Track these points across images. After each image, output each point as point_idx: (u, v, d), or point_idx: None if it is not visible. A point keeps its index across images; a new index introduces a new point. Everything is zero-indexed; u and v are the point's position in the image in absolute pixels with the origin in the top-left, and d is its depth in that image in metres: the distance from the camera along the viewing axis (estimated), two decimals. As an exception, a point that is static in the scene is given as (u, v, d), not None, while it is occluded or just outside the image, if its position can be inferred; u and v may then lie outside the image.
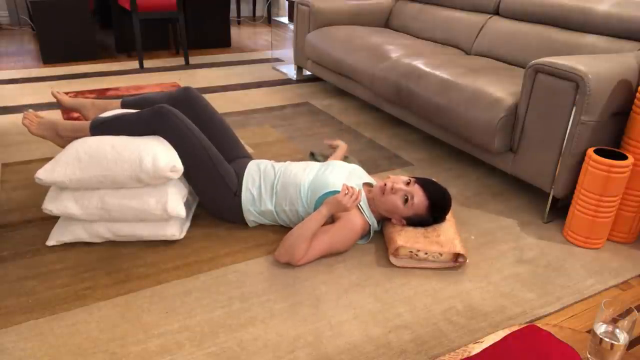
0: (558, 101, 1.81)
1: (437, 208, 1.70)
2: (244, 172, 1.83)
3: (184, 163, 1.69)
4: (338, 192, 1.70)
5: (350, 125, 2.89)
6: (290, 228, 1.81)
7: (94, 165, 1.59)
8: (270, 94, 3.41)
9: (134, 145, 1.63)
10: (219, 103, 3.17)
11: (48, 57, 3.86)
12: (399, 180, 1.73)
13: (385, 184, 1.72)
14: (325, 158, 2.46)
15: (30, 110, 1.86)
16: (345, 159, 2.45)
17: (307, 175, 1.78)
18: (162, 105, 1.69)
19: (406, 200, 1.68)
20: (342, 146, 2.19)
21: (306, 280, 1.57)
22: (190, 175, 1.74)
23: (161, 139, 1.69)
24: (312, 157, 2.43)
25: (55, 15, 3.74)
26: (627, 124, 1.78)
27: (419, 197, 1.68)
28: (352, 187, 1.61)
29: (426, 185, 1.71)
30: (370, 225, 1.74)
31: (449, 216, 1.81)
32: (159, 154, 1.61)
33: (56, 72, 3.66)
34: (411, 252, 1.64)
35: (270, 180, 1.79)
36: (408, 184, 1.71)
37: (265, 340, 1.34)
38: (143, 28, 4.35)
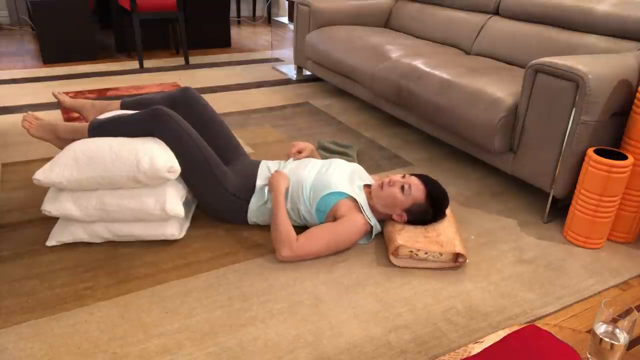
0: (558, 101, 1.81)
1: (435, 198, 1.71)
2: (254, 175, 1.83)
3: (180, 164, 1.69)
4: (340, 192, 1.70)
5: (350, 125, 2.89)
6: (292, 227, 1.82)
7: (91, 166, 1.59)
8: (270, 94, 3.41)
9: (132, 146, 1.63)
10: (219, 103, 3.17)
11: (48, 57, 3.86)
12: (396, 176, 1.76)
13: (383, 181, 1.75)
14: (336, 145, 2.46)
15: (30, 112, 1.86)
16: (349, 148, 2.46)
17: (308, 175, 1.78)
18: (159, 107, 1.70)
19: (404, 190, 1.70)
20: (307, 147, 2.02)
21: (306, 280, 1.58)
22: (187, 177, 1.74)
23: (159, 140, 1.69)
24: (323, 148, 2.43)
25: (55, 15, 3.74)
26: (627, 124, 1.78)
27: (416, 186, 1.71)
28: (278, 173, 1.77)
29: (422, 176, 1.76)
30: (372, 227, 1.75)
31: (449, 216, 1.81)
32: (157, 155, 1.61)
33: (56, 72, 3.66)
34: (411, 251, 1.64)
35: (267, 179, 1.81)
36: (404, 177, 1.75)
37: (265, 340, 1.34)
38: (143, 28, 4.35)
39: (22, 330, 1.34)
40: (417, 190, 1.71)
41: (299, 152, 1.99)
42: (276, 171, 1.79)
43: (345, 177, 1.78)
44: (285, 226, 1.64)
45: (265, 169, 1.85)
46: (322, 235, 1.64)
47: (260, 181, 1.81)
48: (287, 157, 1.96)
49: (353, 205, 1.71)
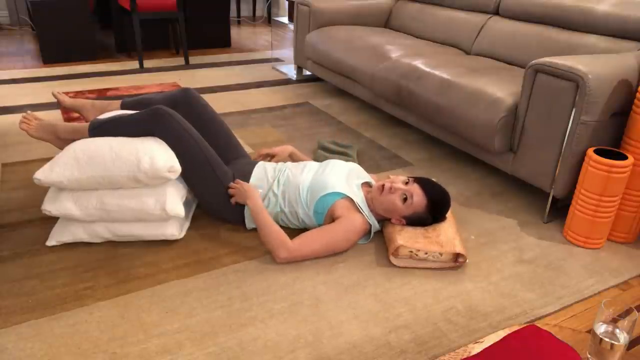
0: (558, 101, 1.81)
1: (436, 207, 1.70)
2: (250, 175, 1.82)
3: (181, 164, 1.69)
4: (337, 193, 1.70)
5: (350, 125, 2.89)
6: (290, 228, 1.82)
7: (92, 166, 1.59)
8: (270, 94, 3.41)
9: (132, 146, 1.63)
10: (219, 103, 3.17)
11: (48, 57, 3.86)
12: (397, 180, 1.73)
13: (383, 184, 1.72)
14: (336, 145, 2.47)
15: (29, 111, 1.86)
16: (349, 148, 2.46)
17: (305, 176, 1.78)
18: (159, 106, 1.69)
19: (405, 200, 1.68)
20: (282, 152, 2.07)
21: (306, 280, 1.57)
22: (187, 177, 1.73)
23: (159, 139, 1.69)
24: (322, 148, 2.43)
25: (55, 15, 3.74)
26: (627, 124, 1.78)
27: (417, 196, 1.68)
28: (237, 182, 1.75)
29: (425, 184, 1.71)
30: (370, 225, 1.74)
31: (449, 216, 1.81)
32: (157, 155, 1.61)
33: (56, 72, 3.66)
34: (411, 252, 1.64)
35: (263, 181, 1.80)
36: (407, 183, 1.71)
37: (265, 340, 1.34)
38: (143, 28, 4.35)
39: (22, 330, 1.34)
40: (419, 201, 1.68)
41: (271, 156, 2.02)
42: (239, 184, 1.74)
43: (343, 177, 1.77)
44: (272, 227, 1.62)
45: (262, 170, 1.85)
46: (320, 235, 1.64)
47: (253, 180, 1.81)
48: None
49: (351, 205, 1.71)
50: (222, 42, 4.70)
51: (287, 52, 4.66)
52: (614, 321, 1.00)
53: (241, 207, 1.78)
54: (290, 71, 3.94)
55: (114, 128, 1.72)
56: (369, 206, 1.76)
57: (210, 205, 1.80)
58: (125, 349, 1.29)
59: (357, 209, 1.71)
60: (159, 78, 3.64)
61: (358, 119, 2.99)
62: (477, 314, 1.47)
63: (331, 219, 1.71)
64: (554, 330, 1.11)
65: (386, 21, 3.59)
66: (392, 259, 1.66)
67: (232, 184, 1.75)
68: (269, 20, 6.19)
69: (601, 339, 0.99)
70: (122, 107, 1.99)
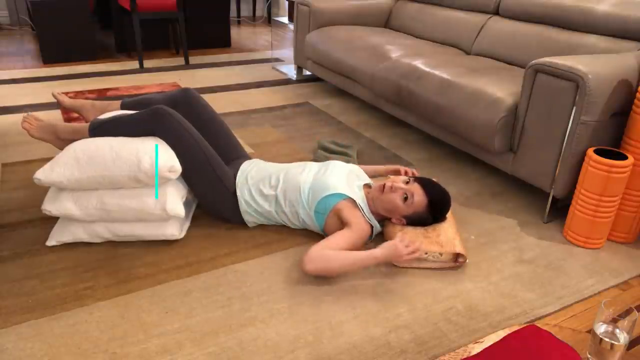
0: (558, 101, 1.81)
1: (436, 206, 1.70)
2: (238, 173, 1.83)
3: (181, 164, 1.69)
4: (339, 194, 1.70)
5: (350, 125, 2.89)
6: (290, 228, 1.81)
7: (92, 166, 1.59)
8: (270, 94, 3.41)
9: (132, 146, 1.63)
10: (219, 103, 3.17)
11: (48, 57, 3.86)
12: (398, 179, 1.73)
13: (384, 184, 1.72)
14: (336, 145, 2.47)
15: (30, 112, 1.86)
16: (348, 148, 2.45)
17: (306, 177, 1.77)
18: (160, 106, 1.69)
19: (406, 199, 1.68)
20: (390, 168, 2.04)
21: (306, 280, 1.57)
22: (187, 176, 1.73)
23: (159, 139, 1.69)
24: (322, 148, 2.43)
25: (55, 15, 3.74)
26: (627, 124, 1.78)
27: (418, 196, 1.68)
28: (410, 242, 1.57)
29: (426, 184, 1.71)
30: (372, 227, 1.74)
31: (449, 216, 1.81)
32: (157, 154, 1.60)
33: (56, 72, 3.66)
34: (411, 252, 1.64)
35: (263, 181, 1.79)
36: (407, 183, 1.71)
37: (265, 340, 1.34)
38: (143, 28, 4.35)
39: (22, 330, 1.34)
40: (419, 201, 1.68)
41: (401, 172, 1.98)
42: (412, 245, 1.57)
43: (343, 178, 1.77)
44: (341, 265, 1.52)
45: (247, 169, 1.83)
46: (342, 249, 1.57)
47: (240, 181, 1.78)
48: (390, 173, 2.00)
49: (353, 206, 1.70)
50: (222, 42, 4.70)
51: (287, 52, 4.66)
52: (614, 321, 1.00)
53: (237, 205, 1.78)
54: (290, 71, 3.95)
55: (114, 128, 1.72)
56: (369, 207, 1.76)
57: (211, 205, 1.80)
58: (125, 349, 1.29)
59: (360, 209, 1.71)
60: (159, 78, 3.64)
61: (358, 119, 2.99)
62: (477, 314, 1.47)
63: (335, 218, 1.70)
64: (554, 330, 1.11)
65: (386, 21, 3.59)
66: (392, 259, 1.66)
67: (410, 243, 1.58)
68: (269, 20, 6.19)
69: (601, 339, 0.99)
70: (122, 107, 1.99)
